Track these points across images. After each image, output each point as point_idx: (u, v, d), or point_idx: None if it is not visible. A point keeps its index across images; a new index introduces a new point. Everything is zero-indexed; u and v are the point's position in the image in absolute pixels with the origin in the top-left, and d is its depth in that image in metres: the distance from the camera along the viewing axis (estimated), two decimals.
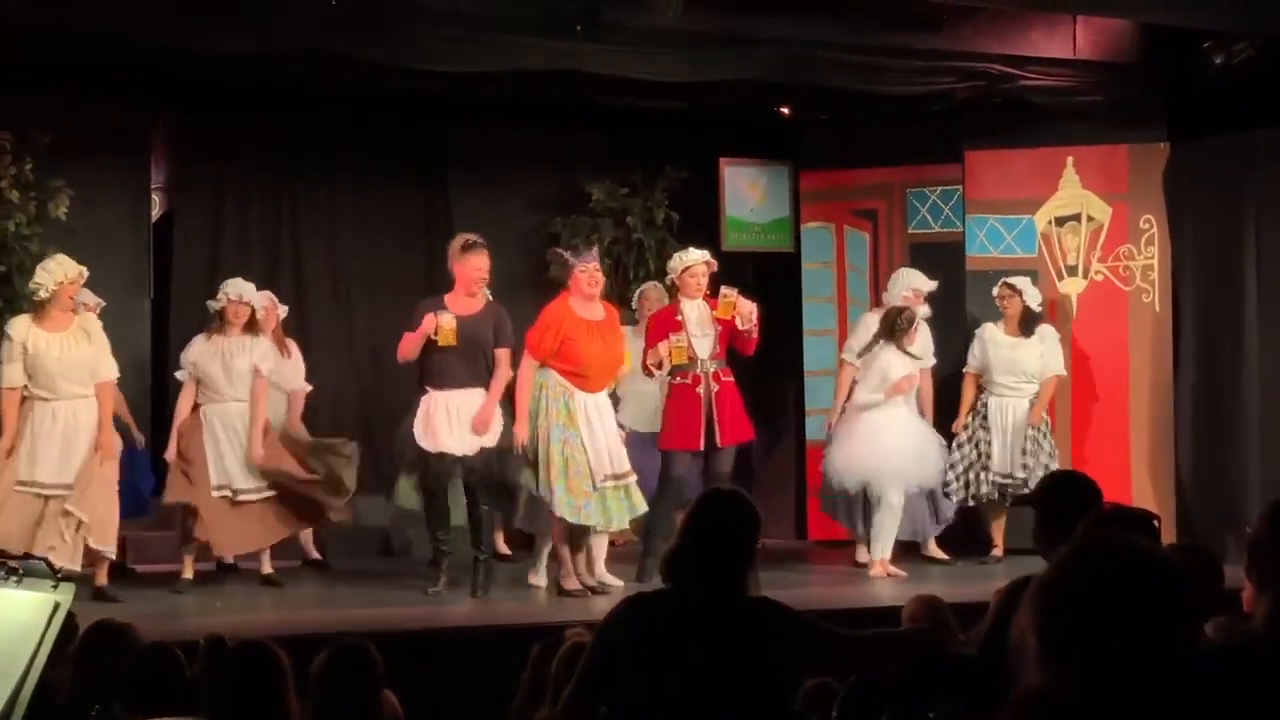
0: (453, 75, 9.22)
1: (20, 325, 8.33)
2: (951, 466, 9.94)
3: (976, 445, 10.01)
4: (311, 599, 8.75)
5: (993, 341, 10.10)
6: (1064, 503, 4.25)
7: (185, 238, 10.95)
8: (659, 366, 9.01)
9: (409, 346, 8.53)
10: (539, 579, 8.85)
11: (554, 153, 11.51)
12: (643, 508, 8.76)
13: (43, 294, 8.30)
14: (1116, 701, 2.19)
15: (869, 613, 6.96)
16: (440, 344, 8.44)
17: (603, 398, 8.78)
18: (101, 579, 8.34)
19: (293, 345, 9.81)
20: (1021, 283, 10.13)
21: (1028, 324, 10.10)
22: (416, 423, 8.53)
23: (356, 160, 11.14)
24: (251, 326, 9.11)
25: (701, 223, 11.27)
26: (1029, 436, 9.93)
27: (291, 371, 9.66)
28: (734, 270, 10.58)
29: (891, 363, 9.56)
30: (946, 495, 9.93)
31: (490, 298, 8.85)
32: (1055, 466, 9.69)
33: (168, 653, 4.12)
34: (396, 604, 8.31)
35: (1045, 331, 10.17)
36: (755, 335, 9.09)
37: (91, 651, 4.26)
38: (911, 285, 10.06)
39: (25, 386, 8.27)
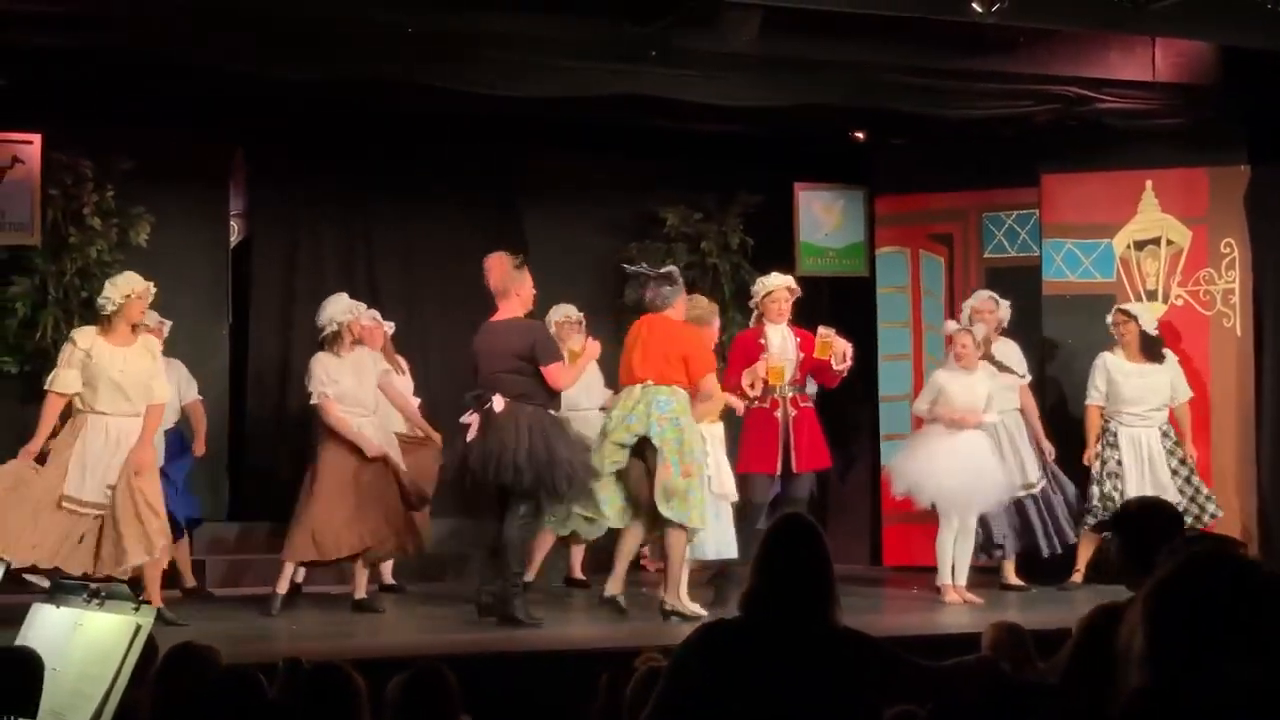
0: (526, 100, 9.27)
1: (86, 334, 8.26)
2: (1091, 498, 9.83)
3: (1117, 478, 9.86)
4: (387, 622, 8.76)
5: (1119, 371, 9.91)
6: (1146, 529, 4.21)
7: (263, 263, 11.04)
8: (752, 386, 8.95)
9: (577, 375, 8.61)
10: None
11: (627, 178, 11.54)
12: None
13: (110, 308, 8.22)
14: (1218, 707, 2.23)
15: (945, 640, 6.90)
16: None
17: None
18: (156, 599, 8.28)
19: (403, 362, 9.84)
20: (1137, 308, 10.01)
21: (1150, 349, 9.96)
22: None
23: (430, 185, 11.20)
24: (358, 340, 9.19)
25: (776, 247, 11.25)
26: (1183, 475, 9.83)
27: (405, 387, 9.68)
28: (808, 295, 10.55)
29: (948, 381, 9.44)
30: (1092, 528, 9.78)
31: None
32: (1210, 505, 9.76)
33: (248, 675, 4.13)
34: (473, 628, 8.32)
35: (1171, 357, 10.04)
36: (844, 375, 9.10)
37: (172, 674, 4.28)
38: (970, 305, 10.05)
39: (78, 399, 8.17)
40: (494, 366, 8.34)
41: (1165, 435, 9.93)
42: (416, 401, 9.78)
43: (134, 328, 8.35)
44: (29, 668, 3.56)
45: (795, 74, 9.33)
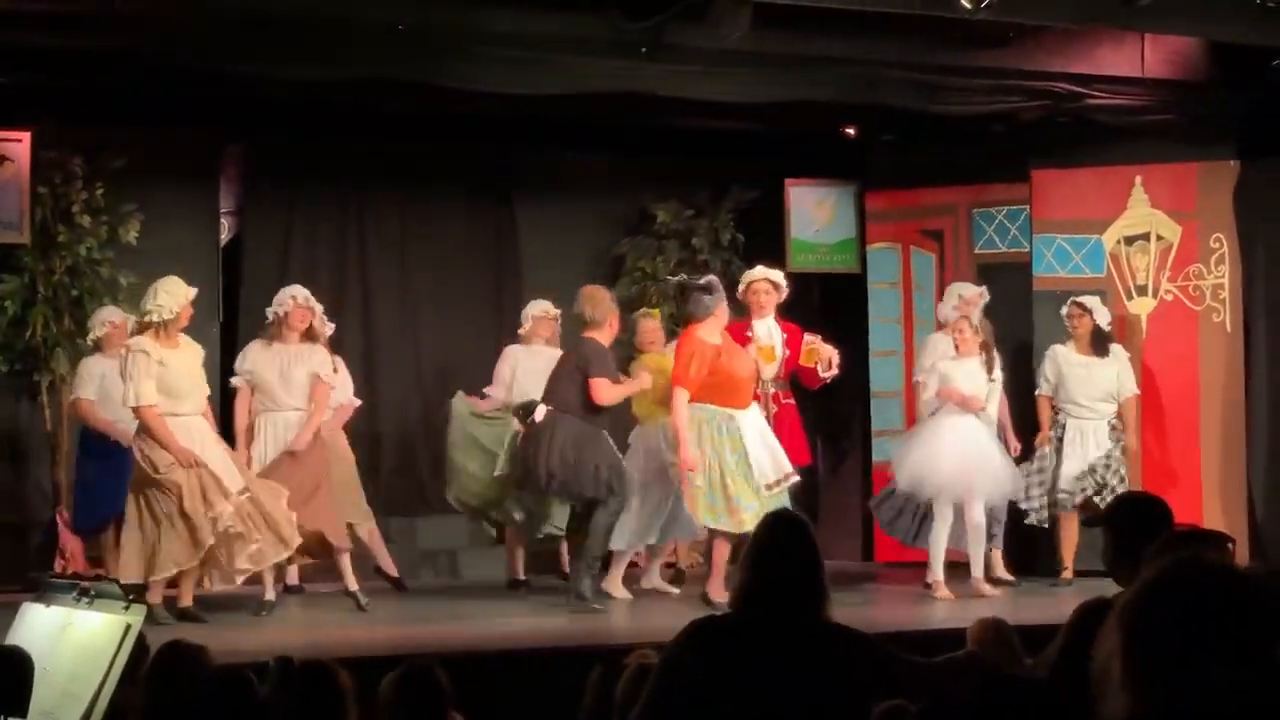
0: (519, 98, 9.26)
1: (150, 344, 8.27)
2: (1029, 486, 9.87)
3: (1052, 468, 9.90)
4: (379, 620, 8.75)
5: (1066, 362, 9.99)
6: (1135, 525, 4.21)
7: (254, 261, 11.01)
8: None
9: (619, 395, 8.90)
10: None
11: (619, 174, 11.54)
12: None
13: (166, 315, 8.23)
14: None
15: (936, 635, 6.90)
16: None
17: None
18: (187, 599, 8.33)
19: (339, 361, 9.73)
20: (1091, 302, 10.04)
21: (1099, 343, 10.00)
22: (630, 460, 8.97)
23: (424, 183, 11.19)
24: (310, 333, 9.11)
25: (767, 244, 11.25)
26: (1111, 457, 9.85)
27: (339, 387, 9.63)
28: (800, 291, 10.56)
29: (951, 369, 9.45)
30: (1027, 515, 9.84)
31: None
32: (1121, 488, 9.63)
33: (239, 675, 4.13)
34: (465, 625, 8.33)
35: (1118, 351, 10.08)
36: (828, 381, 9.18)
37: (162, 673, 4.27)
38: (960, 294, 10.07)
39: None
40: (558, 375, 8.86)
41: (1113, 429, 9.97)
42: (357, 403, 9.76)
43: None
44: (18, 668, 3.55)
45: (786, 70, 9.33)
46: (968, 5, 8.07)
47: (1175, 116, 10.19)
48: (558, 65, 8.98)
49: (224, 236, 11.04)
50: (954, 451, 9.31)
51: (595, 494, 8.66)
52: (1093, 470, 9.79)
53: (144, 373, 8.18)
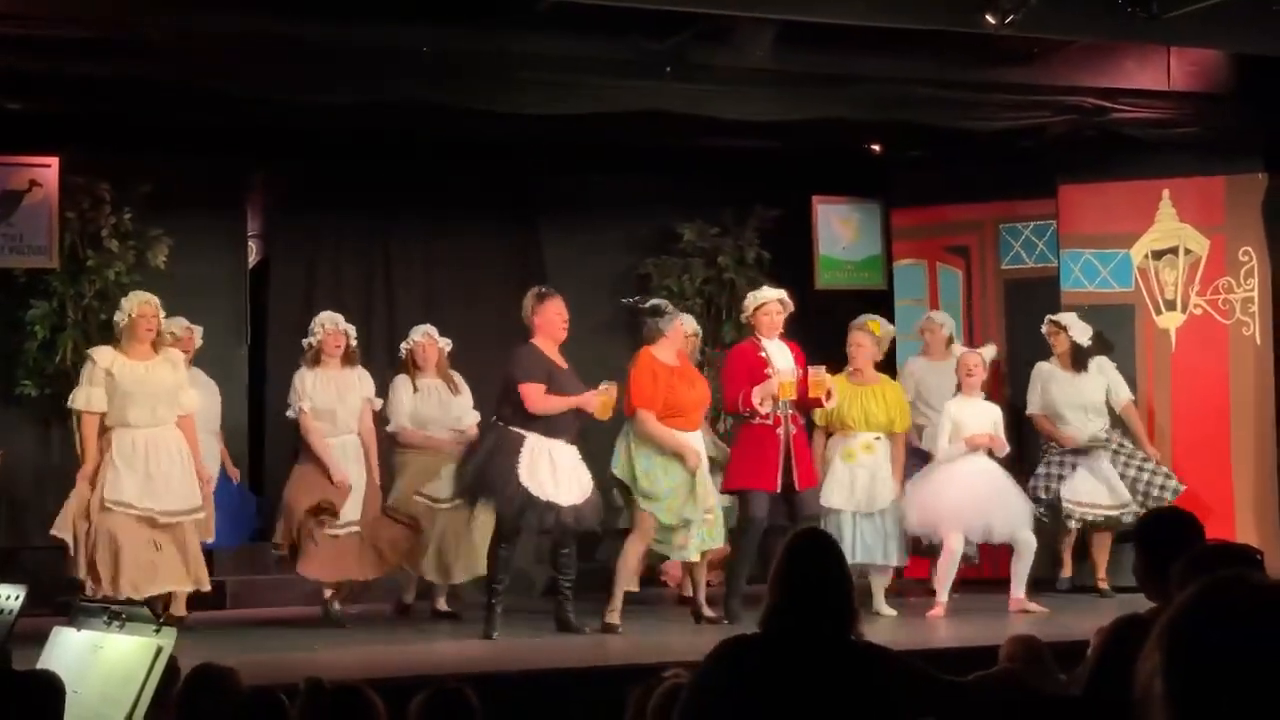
0: (543, 119, 9.28)
1: (104, 353, 8.43)
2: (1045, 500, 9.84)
3: (1064, 481, 9.88)
4: (409, 640, 8.75)
5: (1052, 378, 10.03)
6: (1165, 540, 4.19)
7: (281, 284, 11.05)
8: (761, 403, 8.83)
9: (555, 406, 8.45)
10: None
11: (644, 194, 11.54)
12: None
13: (121, 323, 8.51)
14: None
15: (965, 652, 6.86)
16: (598, 416, 8.57)
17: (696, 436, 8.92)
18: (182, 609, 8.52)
19: (459, 379, 9.71)
20: (1067, 319, 10.08)
21: (1078, 359, 9.99)
22: (524, 468, 8.46)
23: (449, 206, 11.21)
24: (349, 357, 9.16)
25: (793, 261, 11.25)
26: (1133, 465, 9.83)
27: (460, 408, 9.59)
28: (827, 309, 10.55)
29: (960, 410, 9.40)
30: (1115, 538, 9.76)
31: None
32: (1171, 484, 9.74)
33: (270, 697, 4.13)
34: (494, 646, 8.32)
35: (1101, 363, 10.12)
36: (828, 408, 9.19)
37: (193, 696, 4.28)
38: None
39: (106, 416, 8.34)
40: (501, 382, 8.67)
41: (1108, 439, 9.94)
42: (478, 418, 9.62)
43: (155, 342, 8.47)
44: (50, 691, 3.56)
45: (810, 88, 9.33)
46: (992, 21, 8.07)
47: (1202, 129, 10.17)
48: (581, 86, 9.00)
49: (251, 260, 11.08)
50: (959, 491, 9.25)
51: (500, 509, 8.50)
52: (1134, 485, 9.78)
53: (87, 378, 8.39)
